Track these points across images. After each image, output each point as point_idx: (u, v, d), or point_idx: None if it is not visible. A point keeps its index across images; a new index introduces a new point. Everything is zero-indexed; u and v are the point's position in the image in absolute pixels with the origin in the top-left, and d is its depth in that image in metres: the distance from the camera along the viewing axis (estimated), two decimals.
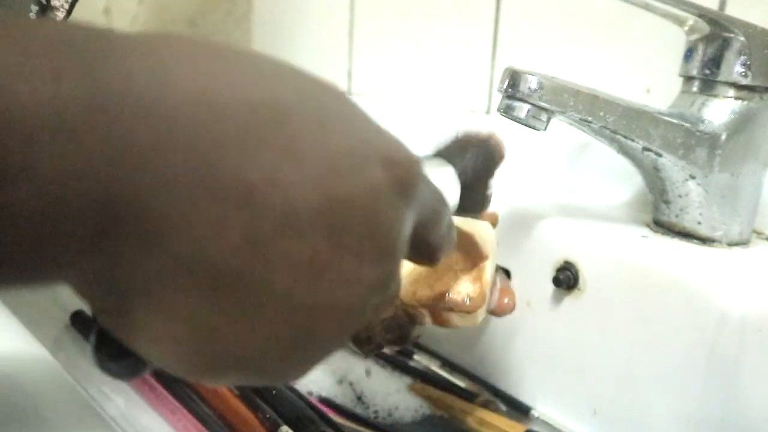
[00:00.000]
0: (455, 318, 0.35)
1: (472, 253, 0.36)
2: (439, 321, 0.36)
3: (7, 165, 0.14)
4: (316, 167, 0.19)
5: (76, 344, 0.50)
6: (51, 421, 0.24)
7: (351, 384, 0.51)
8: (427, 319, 0.36)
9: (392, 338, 0.34)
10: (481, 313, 0.36)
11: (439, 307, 0.35)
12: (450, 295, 0.35)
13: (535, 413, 0.49)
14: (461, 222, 0.38)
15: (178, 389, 0.44)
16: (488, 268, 0.36)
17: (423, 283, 0.36)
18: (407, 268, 0.36)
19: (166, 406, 0.42)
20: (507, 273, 0.51)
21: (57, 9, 0.33)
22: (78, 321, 0.52)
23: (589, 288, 0.46)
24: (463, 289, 0.35)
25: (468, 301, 0.35)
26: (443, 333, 0.56)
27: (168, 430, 0.41)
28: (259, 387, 0.45)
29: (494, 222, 0.40)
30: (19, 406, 0.24)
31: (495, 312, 0.38)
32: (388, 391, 0.51)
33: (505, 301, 0.38)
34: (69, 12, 0.34)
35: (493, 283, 0.38)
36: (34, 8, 0.33)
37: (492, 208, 0.52)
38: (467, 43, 0.69)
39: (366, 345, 0.35)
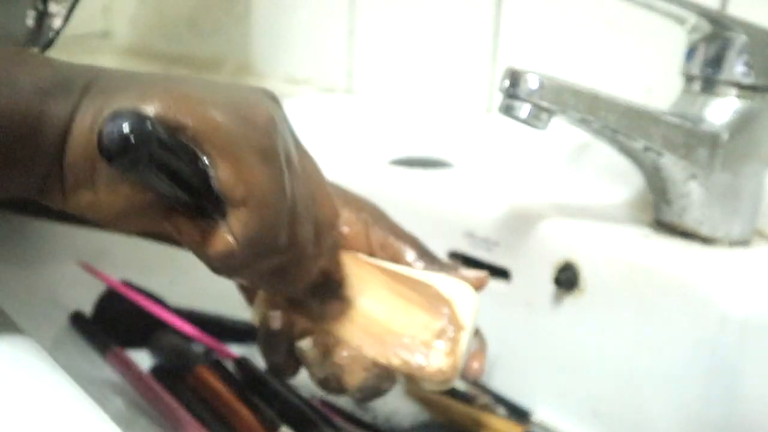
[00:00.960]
0: (426, 383, 0.36)
1: (451, 319, 0.36)
2: (410, 380, 0.36)
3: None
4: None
5: (76, 344, 0.50)
6: (51, 421, 0.24)
7: None
8: (400, 377, 0.36)
9: (365, 397, 0.36)
10: (452, 383, 0.36)
11: (413, 374, 0.35)
12: (424, 369, 0.35)
13: (534, 416, 0.49)
14: (443, 283, 0.38)
15: (178, 389, 0.44)
16: (464, 339, 0.36)
17: (394, 342, 0.36)
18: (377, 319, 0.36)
19: (166, 406, 0.42)
20: (506, 273, 0.51)
21: (55, 15, 0.33)
22: (78, 321, 0.52)
23: (590, 288, 0.46)
24: (435, 361, 0.35)
25: (440, 376, 0.35)
26: None
27: (168, 430, 0.41)
28: (257, 381, 0.45)
29: (480, 286, 0.39)
30: (19, 406, 0.24)
31: (462, 376, 0.38)
32: (386, 395, 0.51)
33: (475, 366, 0.38)
34: (67, 17, 0.34)
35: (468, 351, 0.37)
36: (32, 14, 0.32)
37: (492, 208, 0.52)
38: (467, 43, 0.69)
39: (337, 393, 0.36)
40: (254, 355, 0.51)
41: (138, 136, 0.23)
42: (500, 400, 0.50)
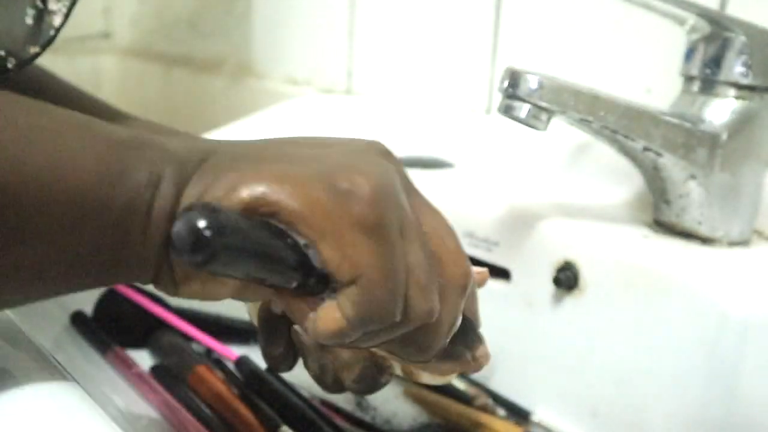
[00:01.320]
0: (425, 376, 0.35)
1: None
2: (408, 373, 0.35)
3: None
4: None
5: (76, 344, 0.50)
6: (51, 420, 0.24)
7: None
8: (397, 371, 0.35)
9: (361, 388, 0.34)
10: (451, 378, 0.36)
11: (414, 371, 0.34)
12: (424, 367, 0.34)
13: (534, 417, 0.49)
14: None
15: (178, 389, 0.44)
16: None
17: None
18: None
19: (166, 406, 0.42)
20: (506, 273, 0.51)
21: (55, 13, 0.33)
22: (78, 321, 0.52)
23: (590, 288, 0.46)
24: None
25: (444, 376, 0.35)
26: None
27: (168, 430, 0.41)
28: (257, 381, 0.45)
29: (481, 282, 0.39)
30: (19, 407, 0.24)
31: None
32: (386, 397, 0.50)
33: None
34: (67, 15, 0.33)
35: None
36: (31, 12, 0.32)
37: (492, 208, 0.52)
38: (467, 43, 0.69)
39: (333, 388, 0.35)
40: (254, 355, 0.51)
41: (211, 231, 0.21)
42: (500, 400, 0.50)
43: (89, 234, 0.25)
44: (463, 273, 0.30)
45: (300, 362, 0.36)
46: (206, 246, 0.21)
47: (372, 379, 0.34)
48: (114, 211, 0.25)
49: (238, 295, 0.28)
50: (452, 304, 0.30)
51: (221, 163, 0.27)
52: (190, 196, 0.26)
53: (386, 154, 0.30)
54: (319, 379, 0.35)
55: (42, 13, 0.32)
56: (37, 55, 0.33)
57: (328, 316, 0.26)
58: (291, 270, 0.25)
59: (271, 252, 0.24)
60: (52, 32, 0.33)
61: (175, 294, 0.28)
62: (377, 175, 0.27)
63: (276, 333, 0.34)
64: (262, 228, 0.24)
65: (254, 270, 0.24)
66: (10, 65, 0.32)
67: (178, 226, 0.21)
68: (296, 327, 0.34)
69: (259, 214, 0.25)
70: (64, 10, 0.33)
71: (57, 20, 0.33)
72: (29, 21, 0.32)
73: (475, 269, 0.38)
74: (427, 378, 0.36)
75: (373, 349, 0.33)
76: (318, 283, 0.26)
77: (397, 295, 0.27)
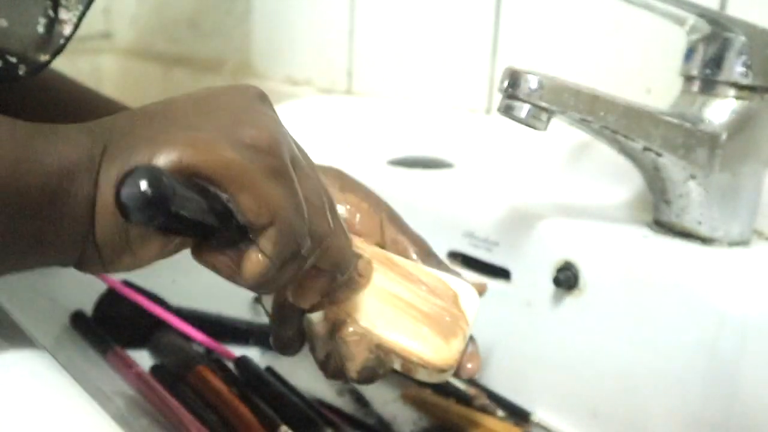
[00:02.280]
0: (422, 372, 0.37)
1: (457, 314, 0.38)
2: (406, 369, 0.37)
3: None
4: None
5: (76, 344, 0.50)
6: (52, 420, 0.24)
7: (351, 391, 0.51)
8: (396, 365, 0.37)
9: (360, 378, 0.37)
10: (448, 376, 0.37)
11: (413, 361, 0.36)
12: (426, 356, 0.36)
13: (534, 417, 0.49)
14: (451, 281, 0.40)
15: (178, 389, 0.44)
16: (466, 335, 0.38)
17: (401, 327, 0.37)
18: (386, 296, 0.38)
19: (166, 406, 0.42)
20: (507, 273, 0.51)
21: (65, 22, 0.33)
22: (78, 321, 0.52)
23: (590, 288, 0.46)
24: (440, 353, 0.36)
25: (443, 365, 0.36)
26: None
27: (168, 430, 0.41)
28: (257, 381, 0.45)
29: (481, 292, 0.41)
30: (20, 406, 0.24)
31: (457, 374, 0.39)
32: (385, 399, 0.50)
33: (469, 366, 0.39)
34: (77, 25, 0.34)
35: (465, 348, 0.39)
36: (42, 21, 0.32)
37: (492, 208, 0.52)
38: (467, 43, 0.69)
39: (335, 376, 0.38)
40: (254, 355, 0.51)
41: (155, 190, 0.24)
42: (500, 400, 0.50)
43: (7, 221, 0.26)
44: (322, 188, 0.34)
45: (300, 364, 0.37)
46: (156, 201, 0.24)
47: (372, 370, 0.37)
48: (29, 198, 0.26)
49: (163, 257, 0.30)
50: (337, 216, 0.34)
51: (131, 137, 0.29)
52: (109, 176, 0.28)
53: (263, 97, 0.33)
54: (323, 365, 0.38)
55: (53, 22, 0.33)
56: (47, 63, 0.34)
57: (252, 260, 0.29)
58: (219, 219, 0.28)
59: (203, 205, 0.27)
60: (62, 41, 0.34)
61: (103, 272, 0.30)
62: (268, 126, 0.30)
63: (288, 318, 0.37)
64: (189, 185, 0.27)
65: (188, 223, 0.27)
66: (21, 72, 0.33)
67: (126, 190, 0.24)
68: (310, 316, 0.37)
69: (181, 176, 0.27)
70: (75, 19, 0.34)
71: (67, 29, 0.33)
72: (41, 30, 0.33)
73: (474, 280, 0.40)
74: (423, 374, 0.37)
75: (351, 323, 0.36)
76: (238, 231, 0.29)
77: (304, 223, 0.30)
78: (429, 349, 0.36)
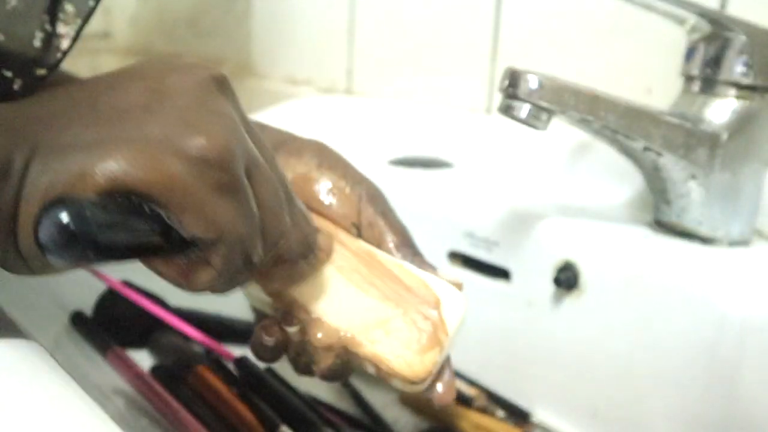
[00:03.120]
0: (395, 381, 0.34)
1: (436, 321, 0.35)
2: (380, 376, 0.34)
3: None
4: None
5: (76, 344, 0.50)
6: (52, 420, 0.24)
7: (351, 392, 0.51)
8: (370, 370, 0.35)
9: (327, 379, 0.35)
10: (421, 387, 0.35)
11: (383, 370, 0.34)
12: (398, 368, 0.33)
13: (534, 417, 0.49)
14: (434, 283, 0.36)
15: (178, 389, 0.44)
16: (444, 346, 0.34)
17: (376, 327, 0.34)
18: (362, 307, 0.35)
19: (167, 406, 0.42)
20: (507, 273, 0.51)
21: (63, 36, 0.33)
22: (78, 321, 0.52)
23: (590, 288, 0.46)
24: (412, 366, 0.33)
25: (414, 378, 0.33)
26: None
27: (168, 430, 0.41)
28: (257, 381, 0.45)
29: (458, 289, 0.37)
30: (20, 406, 0.24)
31: (427, 393, 0.35)
32: (385, 400, 0.50)
33: (440, 391, 0.35)
34: (75, 39, 0.33)
35: (444, 364, 0.36)
36: (39, 35, 0.32)
37: (492, 208, 0.52)
38: (467, 43, 0.69)
39: (305, 372, 0.36)
40: (253, 355, 0.51)
41: (77, 227, 0.22)
42: (500, 400, 0.50)
43: None
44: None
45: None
46: (79, 239, 0.22)
47: (338, 372, 0.35)
48: None
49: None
50: (297, 209, 0.34)
51: (66, 135, 0.26)
52: (36, 186, 0.25)
53: (220, 83, 0.30)
54: (293, 361, 0.37)
55: (50, 37, 0.32)
56: (43, 77, 0.33)
57: (199, 271, 0.28)
58: (156, 243, 0.26)
59: (135, 234, 0.25)
60: (59, 55, 0.33)
61: (32, 276, 0.28)
62: (220, 132, 0.27)
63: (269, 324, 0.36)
64: (120, 209, 0.25)
65: (122, 252, 0.25)
66: (16, 86, 0.32)
67: (44, 230, 0.22)
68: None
69: (115, 194, 0.25)
70: (73, 33, 0.33)
71: (65, 43, 0.33)
72: (37, 44, 0.32)
73: (450, 277, 0.37)
74: (396, 383, 0.34)
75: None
76: (181, 244, 0.27)
77: (256, 232, 0.29)
78: (401, 360, 0.33)
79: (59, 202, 0.22)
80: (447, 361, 0.36)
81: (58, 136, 0.26)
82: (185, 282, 0.29)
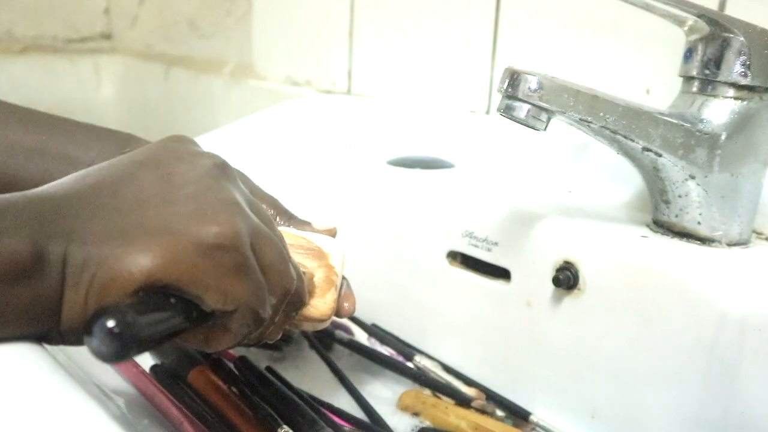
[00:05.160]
0: (306, 324, 0.42)
1: (329, 268, 0.42)
2: (293, 323, 0.41)
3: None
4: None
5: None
6: (52, 420, 0.24)
7: (351, 392, 0.51)
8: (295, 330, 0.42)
9: (245, 342, 0.38)
10: (328, 323, 0.42)
11: (297, 318, 0.40)
12: (307, 313, 0.40)
13: (534, 417, 0.49)
14: (315, 239, 0.43)
15: (178, 389, 0.44)
16: (338, 284, 0.42)
17: None
18: None
19: (167, 406, 0.42)
20: (507, 273, 0.51)
21: None
22: None
23: (589, 288, 0.46)
24: (318, 308, 0.41)
25: (323, 317, 0.41)
26: (443, 336, 0.56)
27: (168, 430, 0.41)
28: (257, 381, 0.45)
29: (333, 235, 0.45)
30: (20, 406, 0.25)
31: (337, 315, 0.43)
32: (385, 400, 0.50)
33: (345, 305, 0.44)
34: None
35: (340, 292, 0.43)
36: None
37: (492, 208, 0.52)
38: (467, 43, 0.69)
39: (251, 344, 0.42)
40: (254, 355, 0.51)
41: (125, 333, 0.26)
42: (499, 400, 0.50)
43: None
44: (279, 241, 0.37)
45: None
46: (122, 349, 0.26)
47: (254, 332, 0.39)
48: None
49: None
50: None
51: (99, 224, 0.29)
52: (83, 279, 0.28)
53: (222, 168, 0.34)
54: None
55: None
56: None
57: (220, 337, 0.33)
58: (183, 325, 0.30)
59: (167, 323, 0.29)
60: None
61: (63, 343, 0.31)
62: (231, 218, 0.31)
63: None
64: (154, 304, 0.29)
65: (158, 342, 0.30)
66: None
67: (95, 338, 0.26)
68: None
69: (148, 289, 0.29)
70: None
71: None
72: None
73: (324, 225, 0.45)
74: (308, 326, 0.42)
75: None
76: (202, 318, 0.31)
77: (266, 301, 0.33)
78: (310, 306, 0.40)
79: (103, 311, 0.26)
80: (344, 281, 0.44)
81: (89, 225, 0.29)
82: (207, 346, 0.34)
